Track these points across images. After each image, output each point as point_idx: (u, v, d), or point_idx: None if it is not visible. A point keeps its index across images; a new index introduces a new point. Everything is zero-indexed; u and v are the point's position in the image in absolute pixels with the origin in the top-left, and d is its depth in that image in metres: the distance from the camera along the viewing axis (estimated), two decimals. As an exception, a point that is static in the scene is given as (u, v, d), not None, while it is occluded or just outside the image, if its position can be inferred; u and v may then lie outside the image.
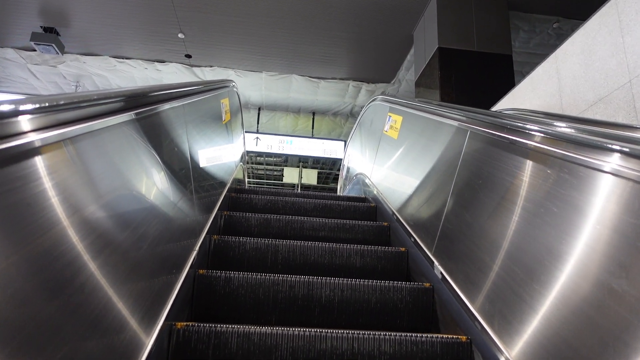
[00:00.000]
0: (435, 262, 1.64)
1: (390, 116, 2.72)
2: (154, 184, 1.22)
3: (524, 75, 7.32)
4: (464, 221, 1.47)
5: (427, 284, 1.71)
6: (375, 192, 2.80)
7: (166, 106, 1.37)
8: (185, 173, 1.58)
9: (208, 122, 2.06)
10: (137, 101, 1.06)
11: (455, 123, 1.72)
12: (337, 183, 13.09)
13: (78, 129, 0.77)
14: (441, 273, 1.57)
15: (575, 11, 5.96)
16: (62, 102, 0.72)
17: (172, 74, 8.03)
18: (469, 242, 1.39)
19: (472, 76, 5.35)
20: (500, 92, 5.36)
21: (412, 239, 1.96)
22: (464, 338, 1.34)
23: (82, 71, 7.99)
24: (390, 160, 2.65)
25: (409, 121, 2.36)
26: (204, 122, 1.94)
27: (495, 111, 2.06)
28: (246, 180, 4.34)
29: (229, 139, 2.79)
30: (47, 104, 0.68)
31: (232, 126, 3.01)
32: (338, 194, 5.33)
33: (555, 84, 3.06)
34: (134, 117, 1.04)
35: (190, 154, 1.63)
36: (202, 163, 1.93)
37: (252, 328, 1.36)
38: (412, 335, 1.37)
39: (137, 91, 1.10)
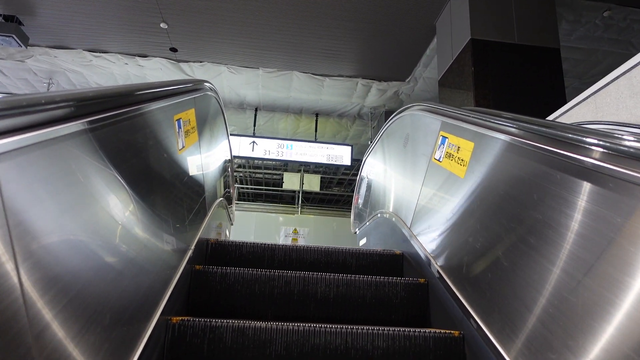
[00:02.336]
0: None
1: (445, 137, 1.75)
2: None
3: (562, 72, 6.33)
4: None
5: None
6: (422, 255, 1.83)
7: None
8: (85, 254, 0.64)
9: (136, 164, 1.09)
10: None
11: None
12: (342, 188, 12.10)
13: None
14: None
15: (632, -4, 4.99)
16: None
17: (157, 70, 7.05)
18: None
19: (514, 74, 4.38)
20: (549, 94, 4.37)
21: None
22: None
23: (54, 67, 7.02)
24: (451, 209, 1.66)
25: (495, 154, 1.39)
26: (121, 167, 0.98)
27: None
28: (232, 217, 3.30)
29: (192, 176, 1.79)
30: None
31: (204, 148, 2.04)
32: (352, 230, 4.30)
33: (679, 87, 2.10)
34: None
35: (83, 233, 0.68)
36: (120, 246, 0.97)
37: (247, 323, 1.35)
38: (404, 330, 1.38)
39: None
